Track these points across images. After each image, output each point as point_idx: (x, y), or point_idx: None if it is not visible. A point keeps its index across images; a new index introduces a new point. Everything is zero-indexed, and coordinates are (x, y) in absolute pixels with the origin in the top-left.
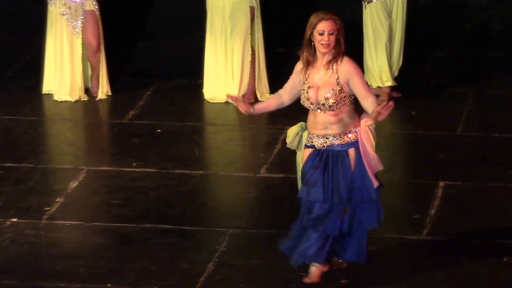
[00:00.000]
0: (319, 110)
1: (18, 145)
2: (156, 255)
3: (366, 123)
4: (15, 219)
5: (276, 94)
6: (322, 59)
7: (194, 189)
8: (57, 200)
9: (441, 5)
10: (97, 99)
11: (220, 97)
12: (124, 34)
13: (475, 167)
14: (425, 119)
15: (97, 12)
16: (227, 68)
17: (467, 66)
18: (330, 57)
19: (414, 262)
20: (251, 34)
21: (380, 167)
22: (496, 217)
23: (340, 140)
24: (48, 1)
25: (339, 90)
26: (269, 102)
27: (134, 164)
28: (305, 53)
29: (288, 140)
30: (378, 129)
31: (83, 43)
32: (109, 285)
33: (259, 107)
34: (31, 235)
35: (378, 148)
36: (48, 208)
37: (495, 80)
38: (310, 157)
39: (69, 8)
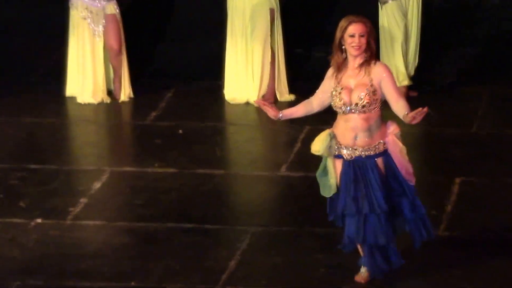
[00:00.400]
0: (351, 113)
1: (43, 147)
2: (179, 254)
3: (393, 132)
4: (40, 220)
5: (305, 101)
6: (354, 62)
7: (216, 188)
8: (81, 200)
9: (455, 5)
10: (119, 101)
11: (241, 98)
12: (145, 36)
13: (490, 164)
14: (441, 117)
15: (118, 16)
16: (247, 69)
17: (482, 65)
18: (362, 60)
19: (432, 257)
20: (271, 35)
21: (411, 177)
22: (510, 213)
23: (368, 152)
24: (70, 5)
25: (372, 91)
26: (297, 108)
27: (157, 164)
28: (335, 57)
29: (317, 147)
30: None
31: (104, 46)
32: (132, 283)
33: (287, 113)
34: (56, 236)
35: None
36: (72, 209)
37: (509, 78)
38: (344, 170)
39: (91, 12)
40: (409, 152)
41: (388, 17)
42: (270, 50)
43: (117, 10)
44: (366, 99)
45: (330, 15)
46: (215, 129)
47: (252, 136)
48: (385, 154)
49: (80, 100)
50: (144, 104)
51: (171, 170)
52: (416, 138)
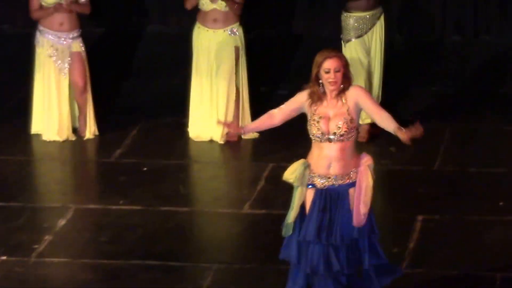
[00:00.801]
0: (327, 142)
1: (7, 184)
2: None
3: (366, 163)
4: (4, 257)
5: (268, 114)
6: (331, 94)
7: (180, 225)
8: (45, 237)
9: (417, 43)
10: (84, 138)
11: (205, 136)
12: (111, 74)
13: (452, 201)
14: (403, 154)
15: (84, 53)
16: (212, 107)
17: (444, 102)
18: (339, 91)
19: None
20: (235, 73)
21: (359, 218)
22: (473, 250)
23: (342, 180)
24: (35, 42)
25: (350, 119)
26: (260, 122)
27: (121, 202)
28: (313, 89)
29: (292, 176)
30: None
31: (70, 84)
32: None
33: (250, 128)
34: (20, 273)
35: None
36: (37, 246)
37: (471, 115)
38: (315, 199)
39: (56, 49)
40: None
41: (351, 54)
42: (234, 88)
43: (83, 48)
44: (344, 128)
45: (294, 53)
46: (179, 167)
47: (216, 173)
48: (354, 185)
49: (45, 137)
50: (109, 141)
51: (136, 207)
52: (379, 176)
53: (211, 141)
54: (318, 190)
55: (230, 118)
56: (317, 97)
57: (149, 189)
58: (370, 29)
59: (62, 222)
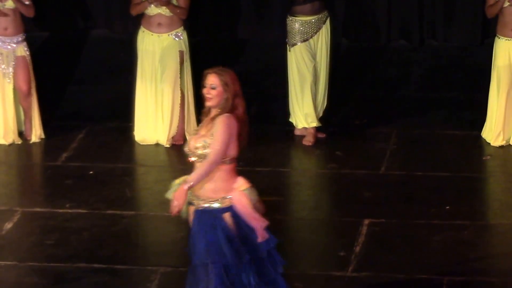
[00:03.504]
0: (193, 159)
1: None
2: None
3: (240, 188)
4: None
5: None
6: (212, 113)
7: (126, 228)
8: None
9: (363, 47)
10: (30, 142)
11: (151, 139)
12: (55, 78)
13: (398, 205)
14: (349, 158)
15: (28, 58)
16: (157, 111)
17: (389, 107)
18: (217, 112)
19: None
20: (180, 77)
21: (261, 230)
22: (419, 253)
23: (213, 204)
24: None
25: (209, 144)
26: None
27: (67, 205)
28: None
29: (168, 193)
30: (304, 169)
31: (14, 88)
32: None
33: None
34: None
35: (303, 187)
36: None
37: (416, 120)
38: (193, 218)
39: (1, 53)
40: (317, 193)
41: (297, 59)
42: (179, 91)
43: (27, 52)
44: (201, 150)
45: (239, 57)
46: (125, 170)
47: (162, 177)
48: (231, 209)
49: None
50: (55, 145)
51: (82, 210)
52: (325, 179)
53: (157, 144)
54: (197, 210)
55: (175, 122)
56: (206, 114)
57: (95, 193)
58: (315, 33)
59: (8, 225)
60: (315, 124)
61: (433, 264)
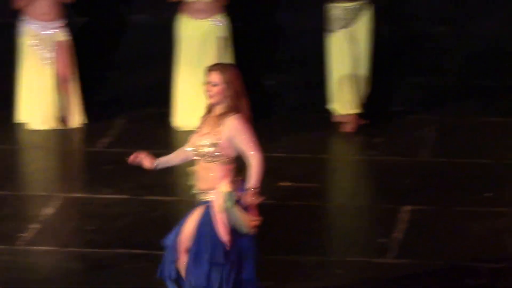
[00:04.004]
0: (197, 158)
1: None
2: (127, 279)
3: (220, 189)
4: None
5: (180, 149)
6: (216, 110)
7: (165, 215)
8: (32, 226)
9: (404, 34)
10: (70, 127)
11: (190, 125)
12: (96, 64)
13: (438, 192)
14: (389, 145)
15: (68, 43)
16: (197, 97)
17: (430, 93)
18: (221, 111)
19: (380, 284)
20: None
21: (225, 238)
22: (459, 240)
23: (204, 197)
24: (19, 33)
25: (213, 143)
26: (174, 155)
27: (107, 191)
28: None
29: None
30: (343, 156)
31: (54, 73)
32: None
33: (163, 160)
34: (7, 261)
35: (343, 174)
36: (23, 235)
37: (456, 107)
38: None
39: (40, 39)
40: (357, 180)
41: (336, 45)
42: None
43: (67, 37)
44: (206, 148)
45: (280, 43)
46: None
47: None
48: (208, 204)
49: (31, 126)
50: (95, 130)
51: (121, 196)
52: (366, 166)
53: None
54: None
55: None
56: (209, 111)
57: (135, 179)
58: (356, 19)
59: (48, 211)
60: (355, 110)
61: (473, 251)
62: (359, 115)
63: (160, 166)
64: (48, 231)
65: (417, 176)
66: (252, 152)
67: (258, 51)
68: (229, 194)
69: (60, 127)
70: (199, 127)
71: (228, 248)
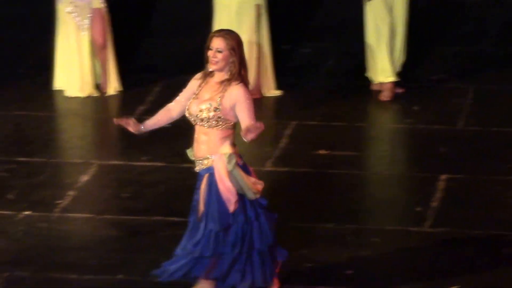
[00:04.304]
0: (196, 124)
1: (30, 140)
2: (164, 247)
3: (222, 151)
4: (28, 212)
5: (165, 109)
6: (216, 76)
7: None
8: (68, 193)
9: (440, 3)
10: (107, 94)
11: None
12: (131, 31)
13: (475, 160)
14: (426, 113)
15: (104, 10)
16: None
17: (467, 62)
18: (225, 77)
19: (416, 253)
20: (257, 31)
21: (231, 202)
22: (495, 209)
23: (202, 165)
24: None
25: (215, 107)
26: (158, 118)
27: (143, 158)
28: (205, 69)
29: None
30: (380, 124)
31: (90, 40)
32: (119, 276)
33: (148, 124)
34: (43, 228)
35: (379, 142)
36: (59, 201)
37: (494, 76)
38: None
39: (76, 6)
40: (393, 148)
41: (373, 13)
42: (256, 45)
43: (103, 4)
44: (205, 113)
45: (316, 11)
46: None
47: (238, 131)
48: (210, 171)
49: (68, 93)
50: (131, 97)
51: (158, 164)
52: (402, 134)
53: None
54: (199, 173)
55: (252, 75)
56: (205, 77)
57: (171, 146)
58: None
59: (84, 178)
60: (392, 79)
61: (509, 220)
62: (395, 84)
63: (146, 129)
64: (84, 198)
65: (453, 144)
66: (252, 122)
67: (294, 19)
68: (231, 155)
69: (96, 94)
70: (197, 93)
71: (232, 212)
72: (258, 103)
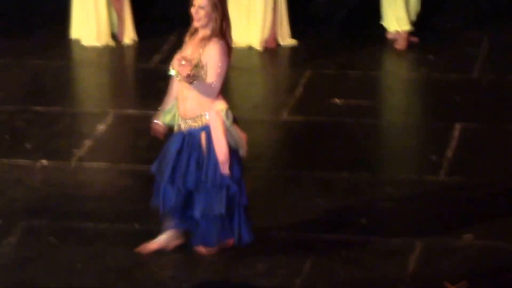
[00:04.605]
0: (179, 80)
1: (47, 89)
2: None
3: (216, 107)
4: (45, 161)
5: (168, 94)
6: (199, 33)
7: None
8: (85, 142)
9: None
10: (123, 44)
11: (242, 42)
12: None
13: (490, 109)
14: (441, 62)
15: None
16: (249, 13)
17: (482, 10)
18: (207, 34)
19: (431, 201)
20: None
21: (223, 158)
22: (510, 158)
23: (195, 123)
24: None
25: (195, 65)
26: (169, 99)
27: (160, 107)
28: (191, 27)
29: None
30: (395, 73)
31: None
32: (135, 225)
33: (166, 110)
34: (60, 177)
35: (394, 91)
36: (76, 151)
37: (508, 24)
38: (176, 139)
39: None
40: (409, 98)
41: None
42: None
43: None
44: (183, 69)
45: None
46: None
47: (254, 80)
48: (207, 129)
49: (84, 42)
50: (148, 47)
51: None
52: (417, 83)
53: (250, 47)
54: (180, 132)
55: (268, 24)
56: (190, 35)
57: None
58: None
59: (101, 127)
60: (407, 27)
61: None
62: (410, 33)
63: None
64: (101, 148)
65: (468, 93)
66: (210, 82)
67: None
68: (227, 111)
69: (112, 43)
70: (182, 50)
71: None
72: (275, 52)
